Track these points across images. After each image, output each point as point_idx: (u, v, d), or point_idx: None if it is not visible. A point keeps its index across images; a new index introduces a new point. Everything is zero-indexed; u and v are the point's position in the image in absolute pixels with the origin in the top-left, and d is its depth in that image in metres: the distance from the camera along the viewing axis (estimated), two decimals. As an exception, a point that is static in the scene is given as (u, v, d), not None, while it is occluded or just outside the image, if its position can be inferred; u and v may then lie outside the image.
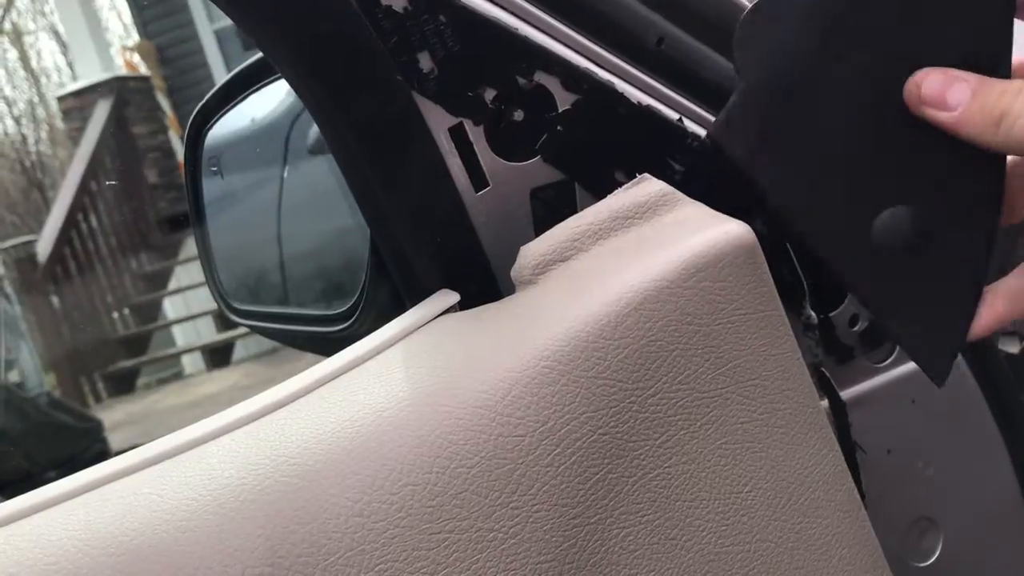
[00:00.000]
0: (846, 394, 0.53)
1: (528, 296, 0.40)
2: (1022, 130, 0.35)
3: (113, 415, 4.96)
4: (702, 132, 0.46)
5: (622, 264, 0.39)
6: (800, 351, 0.42)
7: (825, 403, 0.50)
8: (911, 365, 0.53)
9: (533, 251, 0.41)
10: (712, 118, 0.47)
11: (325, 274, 0.61)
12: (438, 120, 0.41)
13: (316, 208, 0.60)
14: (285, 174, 0.58)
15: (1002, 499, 0.59)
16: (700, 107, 0.46)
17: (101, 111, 6.41)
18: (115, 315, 6.08)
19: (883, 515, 0.55)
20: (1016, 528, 0.59)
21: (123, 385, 5.78)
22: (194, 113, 0.70)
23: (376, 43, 0.38)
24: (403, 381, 0.38)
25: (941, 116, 0.37)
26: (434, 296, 0.42)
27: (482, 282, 0.43)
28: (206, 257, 0.74)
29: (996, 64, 0.38)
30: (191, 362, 6.14)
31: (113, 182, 6.26)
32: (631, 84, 0.44)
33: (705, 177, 0.47)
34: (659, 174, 0.45)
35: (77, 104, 6.68)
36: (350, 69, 0.39)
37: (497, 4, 0.41)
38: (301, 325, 0.63)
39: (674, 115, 0.45)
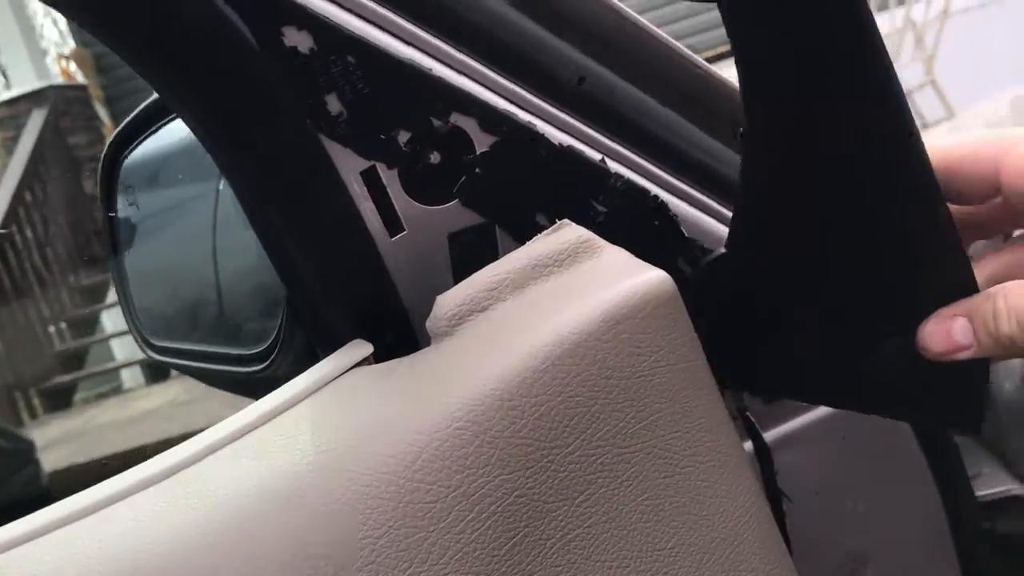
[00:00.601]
0: (774, 433, 0.52)
1: (443, 349, 0.39)
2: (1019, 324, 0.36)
3: (49, 432, 4.84)
4: (625, 172, 0.45)
5: (540, 315, 0.38)
6: (723, 398, 0.41)
7: (751, 446, 0.50)
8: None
9: (449, 301, 0.39)
10: (636, 157, 0.46)
11: (243, 312, 0.59)
12: (349, 164, 0.39)
13: (233, 242, 0.58)
14: (202, 205, 0.56)
15: (931, 531, 0.58)
16: (623, 146, 0.45)
17: (36, 120, 6.26)
18: (51, 329, 5.94)
19: (815, 555, 0.54)
20: (945, 559, 0.59)
21: (60, 401, 5.64)
22: (108, 142, 0.67)
23: (279, 85, 0.36)
24: (309, 443, 0.36)
25: (963, 355, 0.38)
26: (346, 347, 0.40)
27: (399, 331, 0.42)
28: (123, 292, 0.71)
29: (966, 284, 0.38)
30: (130, 376, 6.02)
31: (48, 193, 6.12)
32: (552, 124, 0.43)
33: (629, 218, 0.45)
34: (582, 216, 0.44)
35: (11, 113, 6.52)
36: (250, 111, 0.37)
37: (411, 44, 0.39)
38: (219, 364, 0.61)
39: (596, 155, 0.44)
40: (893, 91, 0.35)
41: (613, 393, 0.37)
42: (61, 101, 6.54)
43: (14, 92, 6.64)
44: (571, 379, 0.36)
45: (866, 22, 0.34)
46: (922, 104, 4.29)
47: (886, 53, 0.35)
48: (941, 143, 0.39)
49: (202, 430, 0.40)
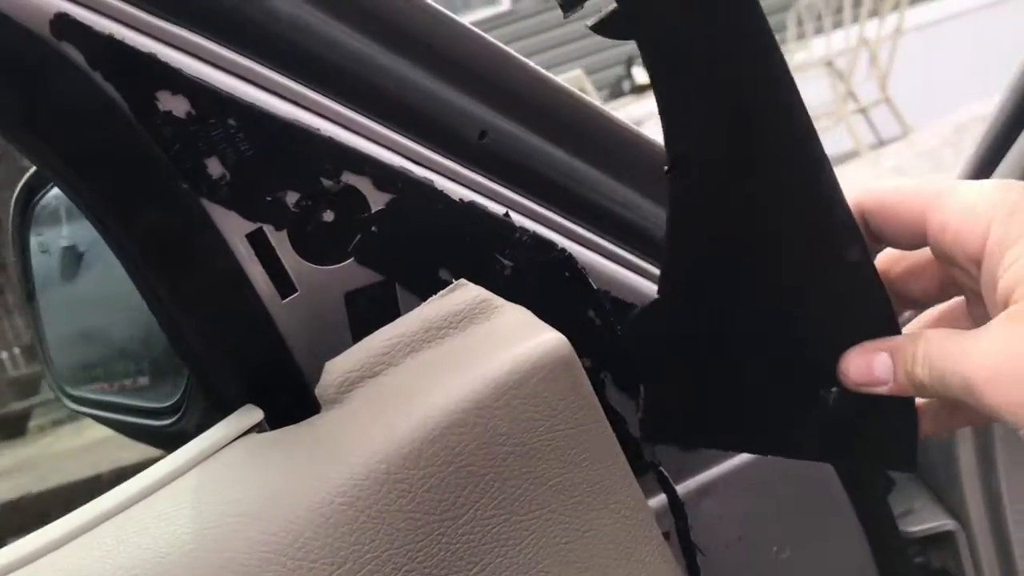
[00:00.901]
0: (694, 482, 0.52)
1: (331, 418, 0.37)
2: (936, 373, 0.37)
3: (3, 461, 4.74)
4: (531, 225, 0.44)
5: (432, 382, 0.37)
6: (625, 457, 0.40)
7: (665, 499, 0.49)
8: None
9: (338, 367, 0.38)
10: (541, 210, 0.45)
11: (154, 364, 0.57)
12: (234, 227, 0.38)
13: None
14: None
15: (858, 573, 0.58)
16: (528, 199, 0.45)
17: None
18: (3, 355, 5.84)
19: (738, 605, 0.53)
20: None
21: (13, 429, 5.54)
22: (17, 190, 0.66)
23: (155, 151, 0.35)
24: (189, 522, 0.34)
25: (879, 390, 0.39)
26: (236, 414, 0.39)
27: (294, 394, 0.40)
28: (40, 339, 0.69)
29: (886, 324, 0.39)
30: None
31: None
32: (452, 180, 0.42)
33: (536, 271, 0.45)
34: (488, 270, 0.43)
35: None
36: (127, 180, 0.36)
37: (296, 104, 0.38)
38: (132, 416, 0.60)
39: (500, 209, 0.43)
40: (810, 140, 0.36)
41: (507, 461, 0.36)
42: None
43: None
44: (461, 449, 0.35)
45: (784, 80, 0.35)
46: (877, 121, 4.34)
47: (803, 108, 0.36)
48: (879, 186, 0.40)
49: (159, 458, 0.39)
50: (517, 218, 0.44)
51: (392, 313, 0.42)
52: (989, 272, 0.36)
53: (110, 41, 0.34)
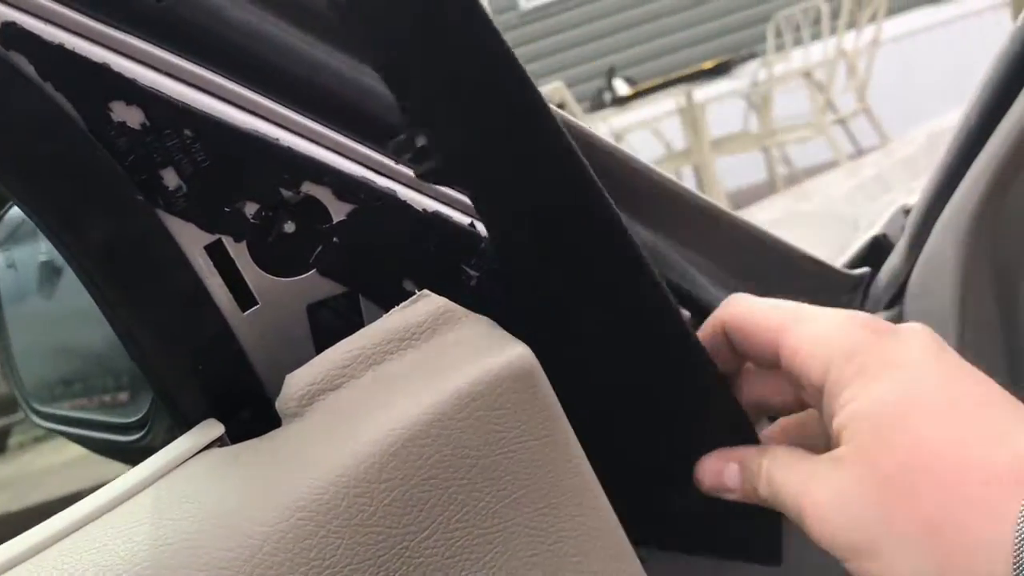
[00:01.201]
0: None
1: (291, 432, 0.37)
2: (773, 494, 0.39)
3: (-19, 479, 4.69)
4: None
5: (393, 394, 0.36)
6: (592, 468, 0.40)
7: None
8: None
9: (299, 380, 0.38)
10: None
11: (119, 379, 0.57)
12: (191, 239, 0.37)
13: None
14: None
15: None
16: None
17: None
18: (-16, 372, 5.79)
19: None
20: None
21: (-7, 446, 5.49)
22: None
23: (108, 163, 0.35)
24: (146, 539, 0.34)
25: (730, 496, 0.42)
26: (196, 429, 0.39)
27: (255, 408, 0.40)
28: (7, 355, 0.68)
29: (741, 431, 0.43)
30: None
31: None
32: (415, 190, 0.42)
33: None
34: (453, 281, 0.43)
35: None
36: (79, 192, 0.35)
37: (254, 114, 0.38)
38: (100, 432, 0.59)
39: (465, 219, 0.43)
40: (642, 264, 0.39)
41: (471, 472, 0.36)
42: None
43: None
44: (424, 461, 0.35)
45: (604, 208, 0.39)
46: (856, 131, 4.37)
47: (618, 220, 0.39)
48: (739, 305, 0.43)
49: None
50: (482, 228, 0.44)
51: (356, 324, 0.41)
52: (827, 406, 0.38)
53: (61, 51, 0.34)
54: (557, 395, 0.39)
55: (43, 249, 0.63)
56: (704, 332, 0.44)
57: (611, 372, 0.42)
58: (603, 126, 4.10)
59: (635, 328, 0.42)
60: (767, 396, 0.44)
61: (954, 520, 0.33)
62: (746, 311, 0.42)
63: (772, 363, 0.41)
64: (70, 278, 0.60)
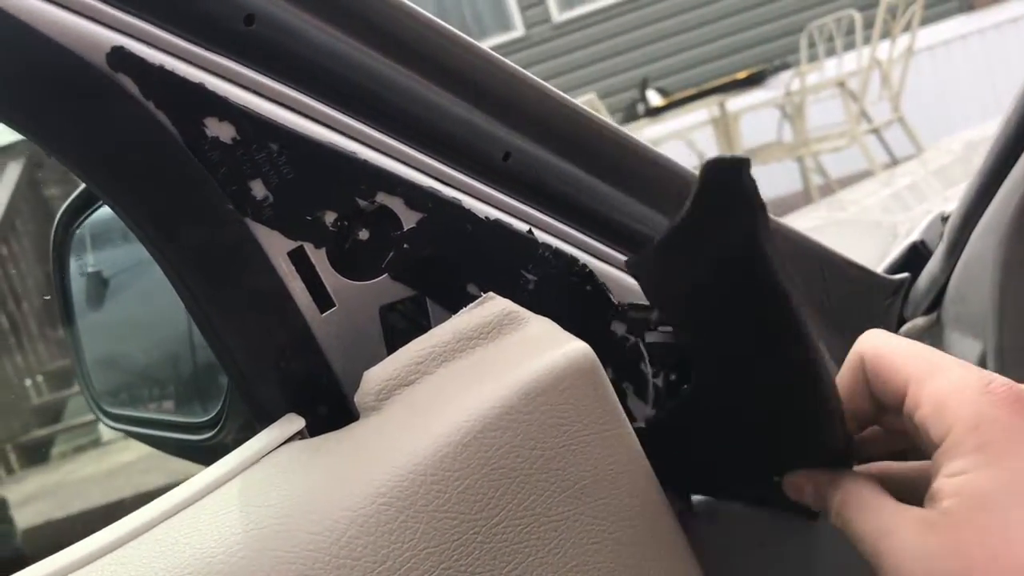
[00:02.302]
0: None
1: (370, 424, 0.39)
2: (847, 528, 0.40)
3: (26, 487, 4.77)
4: (553, 241, 0.46)
5: (464, 389, 0.39)
6: (648, 463, 0.42)
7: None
8: None
9: (376, 376, 0.40)
10: (562, 227, 0.47)
11: (192, 379, 0.60)
12: (276, 245, 0.40)
13: (183, 309, 0.59)
14: (153, 272, 0.57)
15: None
16: (550, 216, 0.47)
17: (11, 174, 6.26)
18: (28, 382, 5.89)
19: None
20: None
21: (37, 455, 5.57)
22: (60, 212, 0.68)
23: (203, 174, 0.38)
24: (237, 523, 0.36)
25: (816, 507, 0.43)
26: (278, 422, 0.41)
27: (333, 403, 0.42)
28: (78, 360, 0.72)
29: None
30: (108, 429, 5.95)
31: (25, 246, 6.09)
32: (478, 199, 0.44)
33: (558, 285, 0.47)
34: (513, 285, 0.45)
35: (-14, 166, 6.51)
36: (176, 201, 0.38)
37: (334, 129, 0.41)
38: (170, 432, 0.62)
39: (524, 227, 0.46)
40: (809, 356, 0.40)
41: (536, 464, 0.38)
42: (36, 154, 6.54)
43: (-12, 146, 6.63)
44: (493, 452, 0.37)
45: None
46: (890, 141, 4.35)
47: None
48: (884, 341, 0.42)
49: (181, 482, 0.41)
50: (540, 235, 0.46)
51: (424, 326, 0.44)
52: (936, 466, 0.37)
53: (161, 72, 0.37)
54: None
55: (114, 257, 0.66)
56: (845, 371, 0.44)
57: (746, 378, 0.44)
58: (636, 137, 4.11)
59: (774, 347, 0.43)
60: (877, 446, 0.45)
61: None
62: (885, 351, 0.41)
63: (895, 405, 0.41)
64: (140, 285, 0.63)
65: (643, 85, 4.98)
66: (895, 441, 0.44)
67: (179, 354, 0.60)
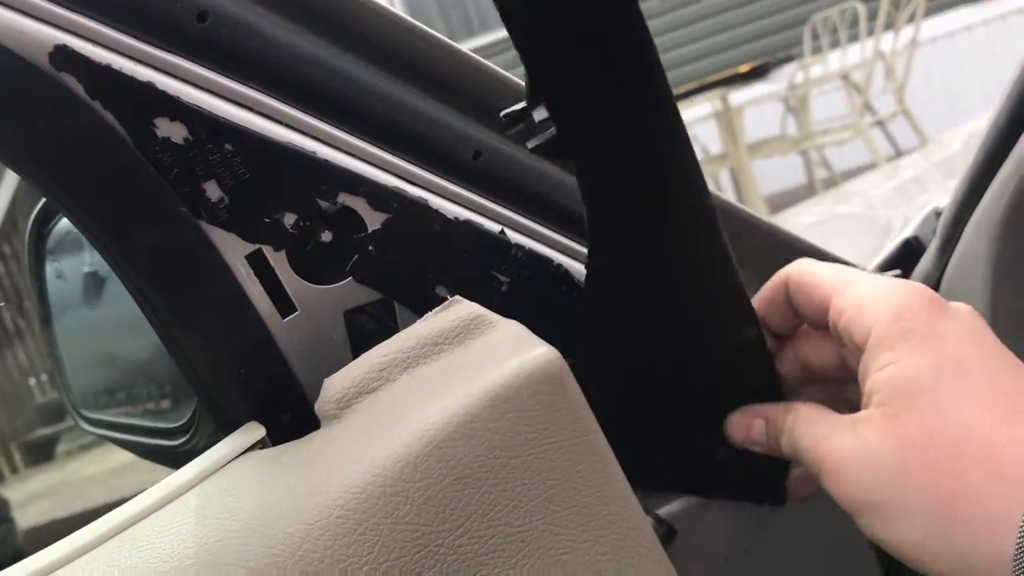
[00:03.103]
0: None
1: (330, 434, 0.38)
2: (794, 447, 0.41)
3: (30, 486, 4.78)
4: (526, 242, 0.45)
5: (427, 397, 0.38)
6: (621, 469, 0.40)
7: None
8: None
9: (337, 384, 0.39)
10: (536, 227, 0.46)
11: (166, 384, 0.58)
12: (233, 249, 0.39)
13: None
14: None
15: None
16: (523, 216, 0.45)
17: (13, 175, 6.26)
18: (31, 381, 5.89)
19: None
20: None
21: (41, 454, 5.58)
22: (34, 213, 0.67)
23: (154, 176, 0.36)
24: (191, 537, 0.35)
25: (756, 449, 0.45)
26: (238, 432, 0.40)
27: (296, 411, 0.41)
28: (56, 363, 0.71)
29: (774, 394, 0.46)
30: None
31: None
32: (446, 199, 0.43)
33: (532, 286, 0.45)
34: (484, 287, 0.44)
35: (-11, 165, 6.52)
36: (128, 205, 0.37)
37: (292, 128, 0.39)
38: (145, 437, 0.61)
39: (496, 227, 0.44)
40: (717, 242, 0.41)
41: (502, 473, 0.37)
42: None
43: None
44: (457, 461, 0.36)
45: (701, 189, 0.40)
46: (895, 133, 4.33)
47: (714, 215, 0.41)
48: (804, 265, 0.44)
49: None
50: (512, 235, 0.45)
51: (391, 329, 0.43)
52: (864, 367, 0.39)
53: (108, 71, 0.36)
54: (601, 347, 0.41)
55: (89, 260, 0.65)
56: (768, 286, 0.46)
57: (663, 329, 0.45)
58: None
59: (712, 309, 0.45)
60: (811, 357, 0.46)
61: (972, 493, 0.34)
62: (808, 271, 0.43)
63: (824, 323, 0.42)
64: (115, 288, 0.62)
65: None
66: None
67: (151, 359, 0.59)
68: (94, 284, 0.65)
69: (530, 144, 0.39)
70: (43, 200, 0.66)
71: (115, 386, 0.66)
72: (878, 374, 0.38)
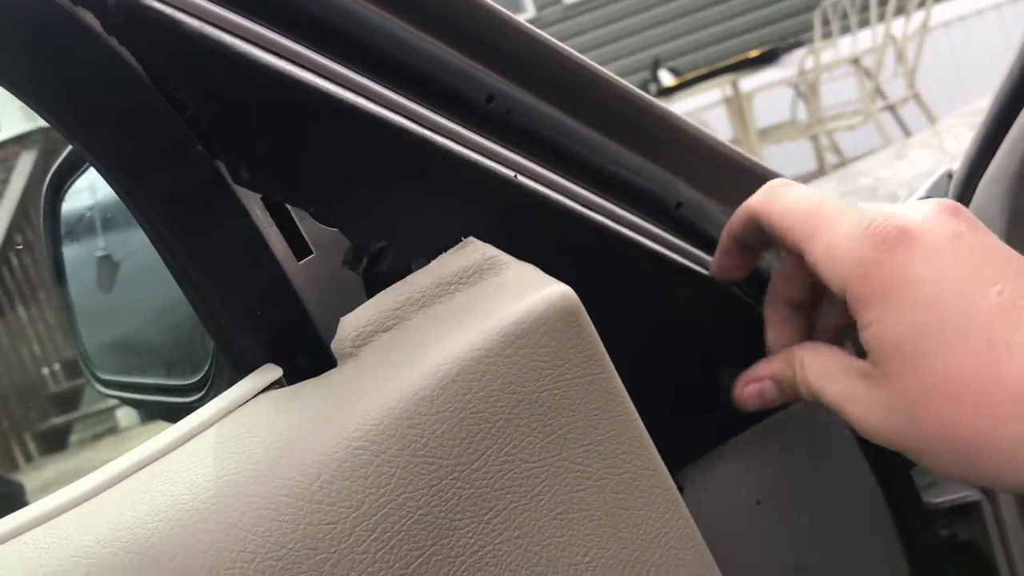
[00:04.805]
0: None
1: (347, 371, 0.38)
2: (814, 398, 0.44)
3: (45, 474, 4.82)
4: (539, 189, 0.45)
5: (442, 334, 0.38)
6: (635, 407, 0.41)
7: None
8: (777, 415, 0.53)
9: (353, 322, 0.39)
10: (550, 174, 0.46)
11: (179, 342, 0.59)
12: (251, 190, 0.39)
13: (167, 272, 0.59)
14: (138, 236, 0.56)
15: (878, 543, 0.58)
16: (536, 164, 0.45)
17: (25, 163, 6.28)
18: (44, 370, 5.93)
19: (755, 567, 0.54)
20: (896, 570, 0.59)
21: (55, 443, 5.62)
22: (48, 176, 0.68)
23: (170, 114, 0.37)
24: (210, 471, 0.36)
25: (775, 404, 0.47)
26: (255, 372, 0.40)
27: (312, 352, 0.41)
28: (71, 326, 0.71)
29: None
30: (125, 416, 6.00)
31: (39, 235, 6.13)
32: (459, 143, 0.43)
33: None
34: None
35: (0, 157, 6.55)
36: (142, 142, 0.37)
37: (306, 68, 0.39)
38: (160, 395, 0.61)
39: (510, 173, 0.44)
40: None
41: (517, 408, 0.37)
42: (49, 143, 6.56)
43: (2, 136, 6.66)
44: (472, 396, 0.36)
45: None
46: (906, 118, 4.31)
47: None
48: (775, 197, 0.44)
49: None
50: (524, 181, 0.45)
51: (404, 272, 0.43)
52: (854, 317, 0.40)
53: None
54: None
55: (103, 220, 0.65)
56: (735, 220, 0.46)
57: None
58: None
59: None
60: (793, 295, 0.47)
61: (983, 440, 0.36)
62: (776, 209, 0.43)
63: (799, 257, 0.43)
64: (128, 248, 0.62)
65: (655, 65, 4.95)
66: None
67: (169, 317, 0.60)
68: (108, 244, 0.65)
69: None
70: (60, 159, 0.67)
71: (130, 345, 0.67)
72: (865, 332, 0.39)
